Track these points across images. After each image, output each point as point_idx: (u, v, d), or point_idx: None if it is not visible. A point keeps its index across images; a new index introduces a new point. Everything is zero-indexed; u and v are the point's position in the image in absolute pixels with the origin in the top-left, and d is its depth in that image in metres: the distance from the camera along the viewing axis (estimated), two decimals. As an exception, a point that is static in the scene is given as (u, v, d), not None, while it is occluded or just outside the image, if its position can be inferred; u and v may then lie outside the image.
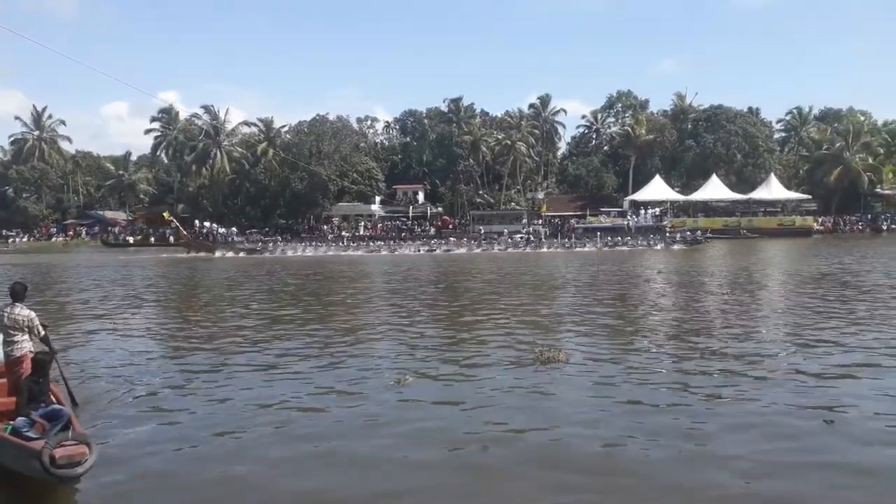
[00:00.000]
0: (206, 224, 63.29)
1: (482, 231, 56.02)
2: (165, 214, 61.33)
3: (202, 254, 49.60)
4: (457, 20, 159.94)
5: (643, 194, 59.44)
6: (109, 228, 78.88)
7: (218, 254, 49.59)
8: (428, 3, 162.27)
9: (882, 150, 75.42)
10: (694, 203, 60.08)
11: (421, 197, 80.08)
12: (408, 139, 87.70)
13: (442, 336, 12.83)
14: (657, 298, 18.68)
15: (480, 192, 78.74)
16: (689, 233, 49.69)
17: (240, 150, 78.61)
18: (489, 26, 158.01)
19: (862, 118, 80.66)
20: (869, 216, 70.74)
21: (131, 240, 71.84)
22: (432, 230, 73.34)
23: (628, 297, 19.13)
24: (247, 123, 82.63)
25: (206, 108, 79.09)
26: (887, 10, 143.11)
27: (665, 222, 54.74)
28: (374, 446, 6.59)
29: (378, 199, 76.92)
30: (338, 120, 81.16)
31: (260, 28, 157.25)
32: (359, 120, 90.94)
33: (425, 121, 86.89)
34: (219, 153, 75.87)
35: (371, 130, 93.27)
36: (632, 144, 75.43)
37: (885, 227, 66.26)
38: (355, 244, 52.91)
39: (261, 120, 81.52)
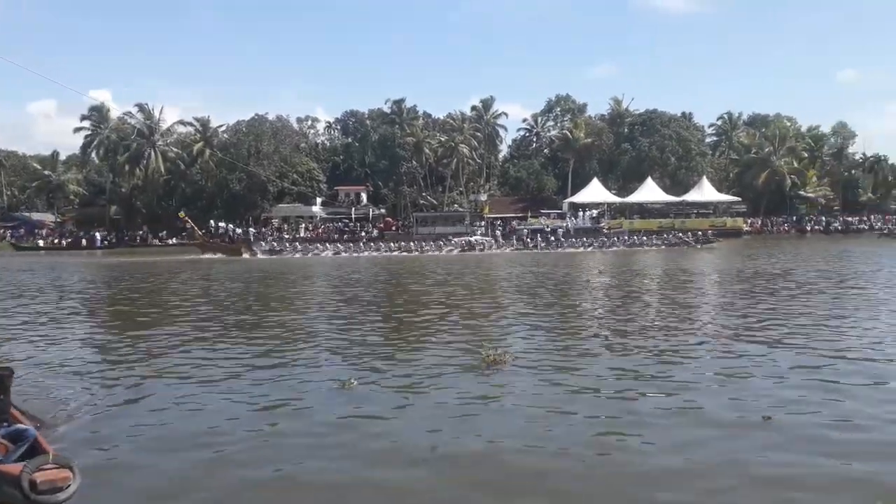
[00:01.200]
0: (222, 224, 61.76)
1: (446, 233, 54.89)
2: (181, 214, 59.16)
3: (219, 255, 45.66)
4: (398, 21, 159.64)
5: (582, 196, 60.64)
6: (36, 231, 75.41)
7: (246, 254, 46.19)
8: (368, 3, 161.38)
9: (806, 155, 79.19)
10: (630, 205, 61.62)
11: (363, 198, 79.59)
12: (350, 140, 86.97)
13: (388, 338, 12.85)
14: (598, 298, 19.12)
15: (424, 193, 78.84)
16: (693, 233, 50.07)
17: (175, 150, 76.34)
18: (430, 28, 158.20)
19: (788, 124, 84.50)
20: (794, 217, 74.09)
21: (42, 243, 68.56)
22: (375, 232, 73.04)
23: (571, 297, 19.50)
24: (182, 123, 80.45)
25: (140, 107, 76.51)
26: (811, 19, 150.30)
27: (602, 224, 55.99)
28: (323, 465, 6.42)
29: (319, 200, 76.09)
30: (277, 120, 79.92)
31: (197, 26, 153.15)
32: (299, 120, 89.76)
33: (367, 122, 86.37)
34: (153, 153, 73.49)
35: (312, 131, 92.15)
36: (571, 148, 76.89)
37: (808, 229, 69.55)
38: (383, 245, 50.28)
39: (197, 119, 79.50)
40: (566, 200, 64.00)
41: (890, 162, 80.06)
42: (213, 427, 7.30)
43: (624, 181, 71.55)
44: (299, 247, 48.76)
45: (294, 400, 8.42)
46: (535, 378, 9.25)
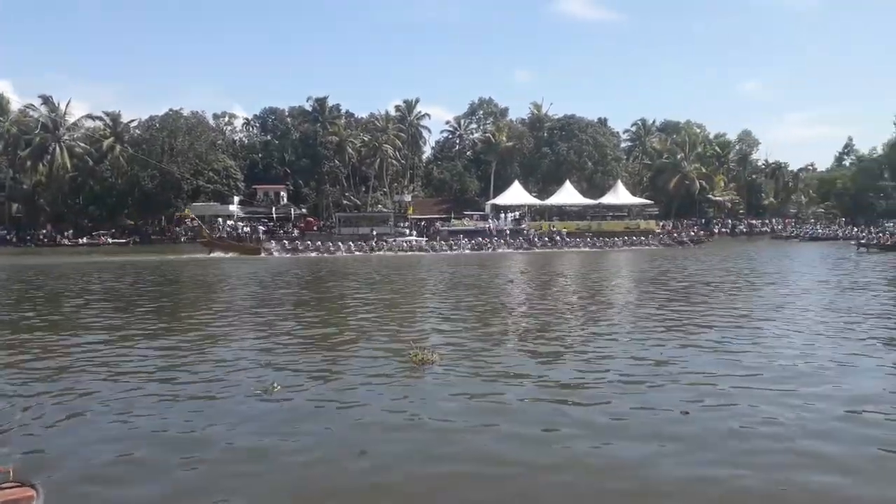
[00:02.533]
0: (230, 222, 58.68)
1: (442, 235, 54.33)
2: (187, 211, 58.87)
3: (230, 254, 44.09)
4: (318, 19, 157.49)
5: (503, 198, 61.51)
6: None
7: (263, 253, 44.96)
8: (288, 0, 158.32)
9: (714, 161, 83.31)
10: (549, 207, 62.97)
11: (284, 197, 78.03)
12: (269, 137, 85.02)
13: (314, 340, 12.64)
14: (522, 298, 19.43)
15: (346, 193, 78.07)
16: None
17: (83, 145, 72.44)
18: (351, 27, 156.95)
19: (697, 131, 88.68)
20: (703, 220, 77.74)
21: None
22: (296, 232, 71.70)
23: (495, 297, 19.71)
24: (91, 117, 76.39)
25: (45, 99, 72.15)
26: (714, 31, 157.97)
27: (524, 226, 57.01)
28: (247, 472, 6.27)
29: (237, 199, 74.03)
30: (193, 116, 77.13)
31: (107, 16, 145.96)
32: (216, 116, 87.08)
33: (288, 119, 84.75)
34: (58, 148, 69.46)
35: (229, 127, 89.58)
36: (493, 150, 77.97)
37: (716, 231, 73.11)
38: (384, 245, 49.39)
39: (107, 114, 75.71)
40: (489, 202, 64.78)
41: (790, 168, 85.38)
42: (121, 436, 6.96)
43: (544, 184, 73.09)
44: (311, 245, 47.83)
45: (211, 407, 8.17)
46: (464, 376, 9.39)
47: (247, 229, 56.34)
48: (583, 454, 6.47)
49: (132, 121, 76.43)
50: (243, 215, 74.22)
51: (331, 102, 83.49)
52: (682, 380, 9.21)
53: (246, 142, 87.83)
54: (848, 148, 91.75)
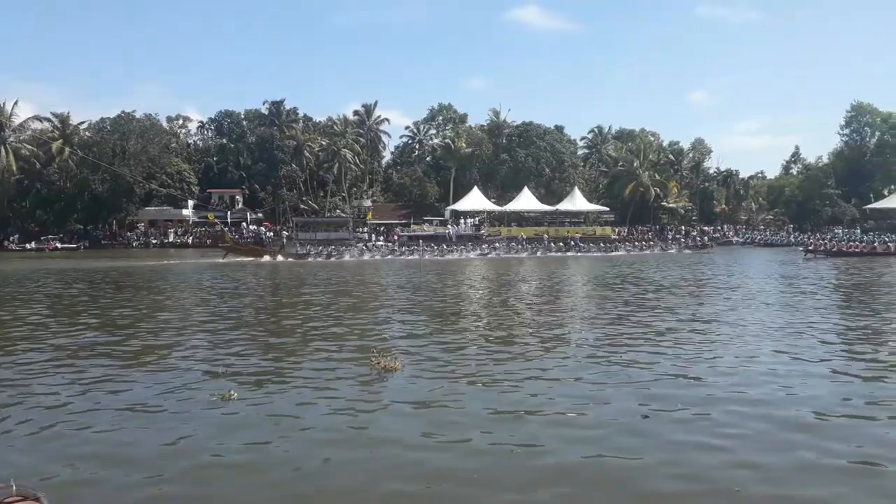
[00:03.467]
0: (252, 227, 57.14)
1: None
2: (210, 216, 59.27)
3: (240, 258, 44.11)
4: (273, 22, 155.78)
5: (463, 204, 61.69)
6: None
7: (267, 257, 44.80)
8: (244, 2, 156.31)
9: (668, 168, 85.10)
10: (508, 213, 63.45)
11: (239, 202, 76.88)
12: (224, 141, 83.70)
13: (273, 345, 12.48)
14: (482, 303, 19.46)
15: (304, 198, 77.31)
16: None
17: (30, 147, 70.03)
18: (307, 31, 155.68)
19: (651, 139, 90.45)
20: (657, 226, 79.25)
21: None
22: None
23: (455, 302, 19.71)
24: (38, 118, 73.80)
25: (-12, 100, 69.64)
26: (667, 41, 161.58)
27: (483, 231, 57.29)
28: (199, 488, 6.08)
29: (191, 203, 72.67)
30: (146, 118, 75.46)
31: (53, 14, 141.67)
32: (169, 119, 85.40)
33: (244, 122, 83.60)
34: (3, 150, 67.06)
35: (183, 130, 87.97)
36: (452, 156, 78.22)
37: (670, 237, 74.52)
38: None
39: (55, 115, 73.35)
40: (448, 208, 64.91)
41: (740, 176, 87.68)
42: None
43: (503, 190, 73.63)
44: (323, 250, 47.73)
45: (167, 412, 7.99)
46: (429, 380, 9.39)
47: (270, 234, 56.00)
48: (549, 467, 6.37)
49: (82, 122, 74.47)
50: (197, 220, 72.87)
51: (288, 106, 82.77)
52: (643, 383, 9.36)
53: (201, 145, 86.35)
54: (795, 156, 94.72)
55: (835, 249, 47.43)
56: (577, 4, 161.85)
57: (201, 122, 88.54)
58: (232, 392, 8.70)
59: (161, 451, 6.81)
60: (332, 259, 45.33)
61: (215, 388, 9.01)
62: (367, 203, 77.90)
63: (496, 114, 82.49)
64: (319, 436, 7.22)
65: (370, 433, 7.29)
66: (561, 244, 53.14)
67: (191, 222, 72.72)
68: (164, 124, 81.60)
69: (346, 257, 46.19)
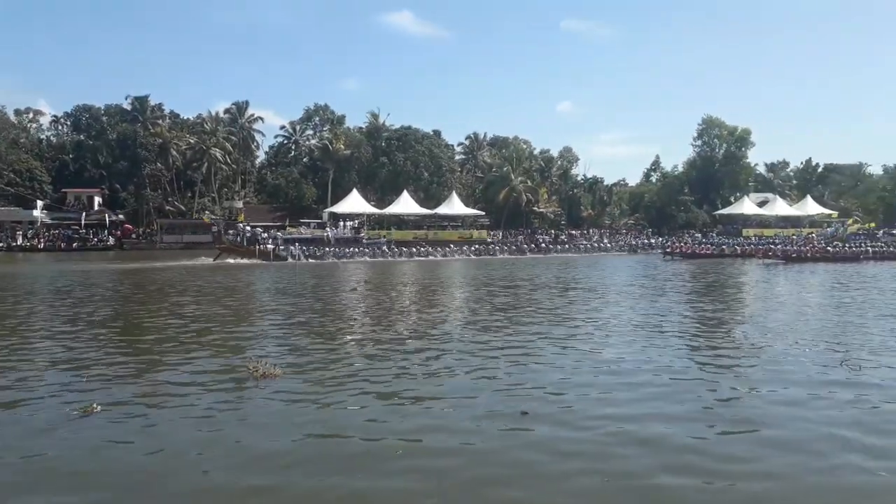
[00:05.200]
0: (248, 228, 53.61)
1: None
2: (205, 218, 58.99)
3: (245, 260, 44.34)
4: (139, 13, 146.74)
5: (342, 207, 60.84)
6: None
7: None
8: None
9: (538, 175, 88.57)
10: (388, 216, 63.38)
11: (97, 202, 71.53)
12: (82, 137, 77.51)
13: (140, 352, 11.75)
14: (360, 307, 19.30)
15: (170, 199, 73.23)
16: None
17: None
18: (175, 26, 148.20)
19: (524, 146, 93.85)
20: (529, 231, 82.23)
21: None
22: (112, 240, 66.22)
23: (333, 307, 19.40)
24: None
25: None
26: (534, 52, 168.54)
27: (362, 234, 56.84)
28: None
29: (41, 203, 66.74)
30: (-10, 110, 68.53)
31: None
32: (17, 112, 78.03)
33: (104, 118, 77.85)
34: None
35: (34, 125, 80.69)
36: (330, 158, 77.03)
37: (540, 240, 77.60)
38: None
39: None
40: (326, 210, 63.82)
41: (605, 183, 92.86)
42: None
43: (382, 193, 73.48)
44: (330, 252, 48.92)
45: (20, 427, 7.37)
46: (305, 389, 9.19)
47: (264, 234, 53.34)
48: (429, 470, 6.43)
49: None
50: (49, 221, 67.16)
51: (153, 101, 78.08)
52: (516, 380, 9.71)
53: (54, 141, 79.54)
54: (655, 165, 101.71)
55: (690, 252, 51.43)
56: (450, 13, 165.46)
57: (55, 116, 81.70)
58: (95, 404, 8.10)
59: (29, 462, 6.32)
60: (313, 261, 46.06)
61: (77, 400, 8.38)
62: (239, 205, 75.06)
63: (375, 116, 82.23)
64: (175, 450, 6.85)
65: (246, 443, 7.03)
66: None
67: (40, 223, 66.70)
68: (12, 118, 74.47)
69: (330, 260, 47.02)
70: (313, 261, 46.19)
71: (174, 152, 73.04)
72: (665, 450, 6.81)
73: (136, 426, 7.56)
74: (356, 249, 50.96)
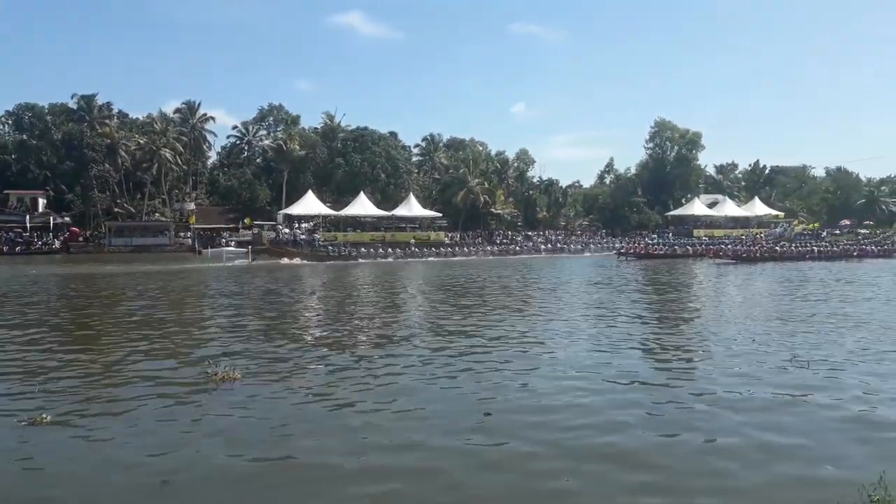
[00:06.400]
0: (286, 230, 54.60)
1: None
2: (247, 220, 59.78)
3: (284, 259, 46.60)
4: (84, 10, 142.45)
5: (297, 208, 60.07)
6: None
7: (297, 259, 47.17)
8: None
9: (494, 177, 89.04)
10: (344, 218, 62.85)
11: (42, 204, 69.03)
12: (25, 137, 74.64)
13: (93, 358, 11.39)
14: (319, 311, 19.04)
15: (119, 200, 71.18)
16: None
17: None
18: (122, 23, 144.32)
19: (480, 148, 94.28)
20: (486, 232, 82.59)
21: None
22: (57, 243, 64.08)
23: (293, 310, 19.09)
24: None
25: None
26: (486, 54, 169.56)
27: (318, 236, 56.22)
28: None
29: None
30: (-79, 107, 65.45)
31: None
32: (-47, 110, 74.78)
33: (48, 117, 75.19)
34: None
35: (-29, 124, 77.44)
36: (285, 158, 76.02)
37: (497, 242, 78.05)
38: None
39: None
40: (281, 212, 62.94)
41: (560, 185, 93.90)
42: None
43: (338, 194, 72.83)
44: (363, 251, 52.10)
45: None
46: (266, 393, 9.10)
47: (303, 236, 54.49)
48: (389, 467, 6.44)
49: None
50: (-10, 224, 64.61)
51: (101, 100, 75.73)
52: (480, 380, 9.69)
53: (-6, 140, 76.46)
54: (608, 167, 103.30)
55: (643, 252, 52.36)
56: (400, 14, 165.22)
57: (-5, 115, 78.47)
58: (44, 415, 7.75)
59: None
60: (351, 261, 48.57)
61: (24, 410, 8.03)
62: (191, 206, 73.48)
63: (330, 117, 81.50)
64: (129, 461, 6.60)
65: (207, 452, 6.84)
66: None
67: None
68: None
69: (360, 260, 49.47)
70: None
71: (123, 153, 71.06)
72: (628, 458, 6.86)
73: (90, 438, 7.25)
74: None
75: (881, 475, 5.12)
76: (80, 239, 66.52)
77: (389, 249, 54.98)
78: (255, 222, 66.87)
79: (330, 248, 52.00)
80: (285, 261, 47.11)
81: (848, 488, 5.35)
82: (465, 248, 60.86)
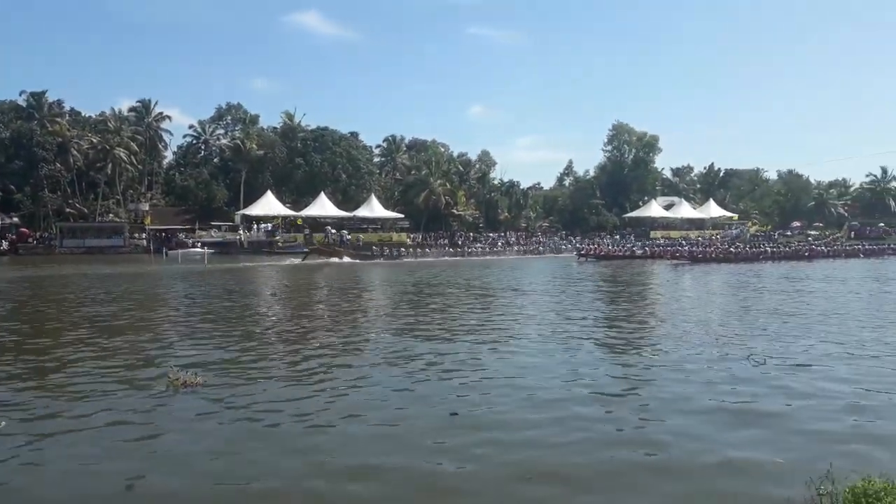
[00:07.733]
0: (333, 231, 56.43)
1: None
2: (299, 221, 60.08)
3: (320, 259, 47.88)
4: (36, 4, 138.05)
5: (255, 209, 59.44)
6: None
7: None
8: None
9: (456, 178, 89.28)
10: (305, 218, 62.36)
11: (-11, 205, 66.72)
12: (-30, 135, 72.01)
13: (50, 362, 11.13)
14: (282, 312, 18.86)
15: (71, 201, 69.20)
16: None
17: None
18: (74, 19, 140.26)
19: (442, 150, 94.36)
20: (448, 233, 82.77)
21: None
22: (6, 245, 62.01)
23: (258, 312, 18.87)
24: None
25: None
26: (443, 55, 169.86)
27: (277, 237, 55.66)
28: None
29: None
30: None
31: None
32: None
33: (-5, 115, 72.67)
34: None
35: (-87, 121, 74.25)
36: (243, 158, 74.93)
37: (460, 242, 78.30)
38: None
39: None
40: (239, 212, 62.09)
41: (521, 187, 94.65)
42: None
43: (298, 195, 72.12)
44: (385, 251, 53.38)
45: None
46: (228, 398, 8.94)
47: (349, 237, 56.82)
48: (350, 467, 6.47)
49: None
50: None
51: (51, 98, 73.49)
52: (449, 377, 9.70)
53: (-64, 138, 73.48)
54: (568, 169, 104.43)
55: (603, 254, 53.13)
56: (357, 14, 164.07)
57: (-63, 111, 75.39)
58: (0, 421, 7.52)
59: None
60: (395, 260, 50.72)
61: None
62: (146, 207, 71.88)
63: (290, 117, 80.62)
64: (92, 467, 6.49)
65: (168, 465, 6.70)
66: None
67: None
68: None
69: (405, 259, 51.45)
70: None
71: (75, 152, 69.05)
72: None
73: (51, 442, 7.07)
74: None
75: (828, 469, 5.28)
76: (30, 240, 64.47)
77: (428, 249, 59.06)
78: (213, 224, 65.81)
79: (374, 248, 54.39)
80: (335, 260, 48.73)
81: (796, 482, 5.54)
82: (428, 250, 60.82)
